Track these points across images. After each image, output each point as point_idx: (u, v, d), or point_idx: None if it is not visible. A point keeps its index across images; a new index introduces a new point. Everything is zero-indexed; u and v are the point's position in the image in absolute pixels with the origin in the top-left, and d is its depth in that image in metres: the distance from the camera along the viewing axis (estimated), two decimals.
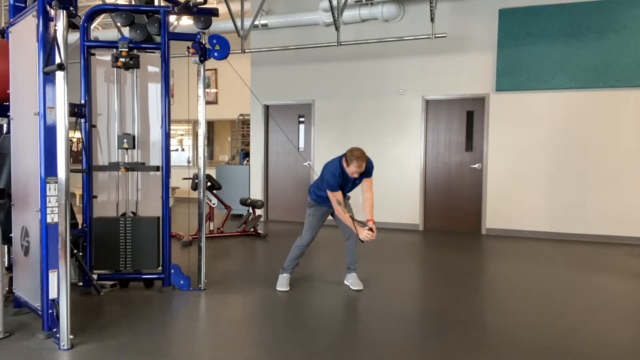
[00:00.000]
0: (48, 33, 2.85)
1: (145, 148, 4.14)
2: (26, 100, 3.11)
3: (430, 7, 6.24)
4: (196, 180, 5.68)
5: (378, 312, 3.58)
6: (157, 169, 4.00)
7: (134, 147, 3.99)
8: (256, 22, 7.43)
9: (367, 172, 3.84)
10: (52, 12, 2.83)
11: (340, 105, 7.65)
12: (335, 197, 3.77)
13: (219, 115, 11.23)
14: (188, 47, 3.97)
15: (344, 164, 3.74)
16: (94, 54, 4.02)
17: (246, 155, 9.17)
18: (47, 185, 2.89)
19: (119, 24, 4.79)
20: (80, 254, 3.87)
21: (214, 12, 4.06)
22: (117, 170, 3.97)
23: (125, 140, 3.93)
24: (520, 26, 6.62)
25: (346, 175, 3.78)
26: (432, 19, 6.32)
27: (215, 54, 4.03)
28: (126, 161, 4.03)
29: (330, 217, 4.10)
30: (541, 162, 6.68)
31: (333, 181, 3.73)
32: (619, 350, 2.91)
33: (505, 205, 6.86)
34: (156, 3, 4.57)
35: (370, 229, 3.73)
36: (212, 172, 8.09)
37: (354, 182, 3.90)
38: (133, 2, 5.15)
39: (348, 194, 4.02)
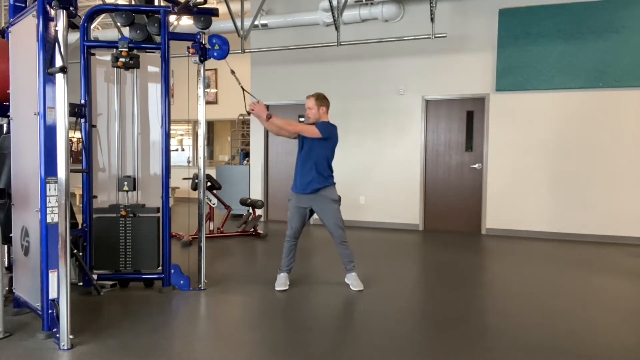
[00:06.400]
0: (48, 33, 2.85)
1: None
2: (26, 100, 3.11)
3: (430, 7, 6.24)
4: (196, 180, 5.68)
5: (378, 312, 3.58)
6: (157, 210, 4.01)
7: (134, 189, 4.01)
8: (256, 22, 7.44)
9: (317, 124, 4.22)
10: (52, 12, 2.83)
11: (340, 105, 7.63)
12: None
13: (219, 115, 11.22)
14: (188, 47, 3.98)
15: None
16: (94, 54, 4.02)
17: (246, 155, 9.17)
18: (47, 185, 2.89)
19: (119, 24, 4.79)
20: (80, 254, 3.87)
21: (214, 12, 4.06)
22: (118, 214, 3.97)
23: (125, 183, 3.97)
24: (520, 26, 6.62)
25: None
26: (432, 19, 6.33)
27: (215, 54, 4.03)
28: (127, 203, 4.01)
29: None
30: (541, 162, 6.69)
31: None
32: (618, 351, 2.91)
33: (505, 205, 6.86)
34: (156, 3, 4.58)
35: (257, 102, 3.95)
36: (212, 172, 8.09)
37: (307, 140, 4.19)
38: (133, 2, 5.16)
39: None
